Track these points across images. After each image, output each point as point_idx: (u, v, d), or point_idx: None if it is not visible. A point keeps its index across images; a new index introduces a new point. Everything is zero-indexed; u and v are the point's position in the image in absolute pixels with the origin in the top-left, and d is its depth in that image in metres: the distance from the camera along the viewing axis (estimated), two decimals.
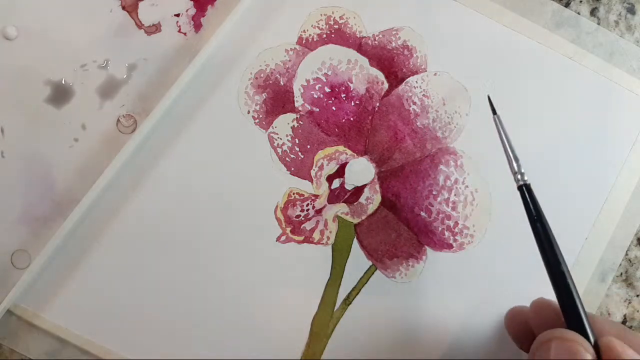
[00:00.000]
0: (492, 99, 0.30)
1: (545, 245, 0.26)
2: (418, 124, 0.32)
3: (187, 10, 0.32)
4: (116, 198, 0.31)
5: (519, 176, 0.28)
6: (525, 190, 0.27)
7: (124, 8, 0.32)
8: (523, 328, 0.28)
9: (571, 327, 0.25)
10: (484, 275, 0.31)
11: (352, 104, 0.32)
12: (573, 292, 0.25)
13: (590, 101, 0.33)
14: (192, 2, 0.32)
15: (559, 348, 0.24)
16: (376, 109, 0.32)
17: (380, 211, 0.32)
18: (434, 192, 0.32)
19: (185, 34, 0.32)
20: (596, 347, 0.24)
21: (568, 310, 0.25)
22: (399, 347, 0.31)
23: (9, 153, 0.31)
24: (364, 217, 0.32)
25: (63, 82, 0.31)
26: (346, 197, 0.32)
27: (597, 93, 0.33)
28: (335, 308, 0.31)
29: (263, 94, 0.32)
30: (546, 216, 0.27)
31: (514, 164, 0.28)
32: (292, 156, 0.32)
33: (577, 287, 0.26)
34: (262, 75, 0.32)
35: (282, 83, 0.32)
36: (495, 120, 0.29)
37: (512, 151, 0.28)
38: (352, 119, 0.32)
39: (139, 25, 0.32)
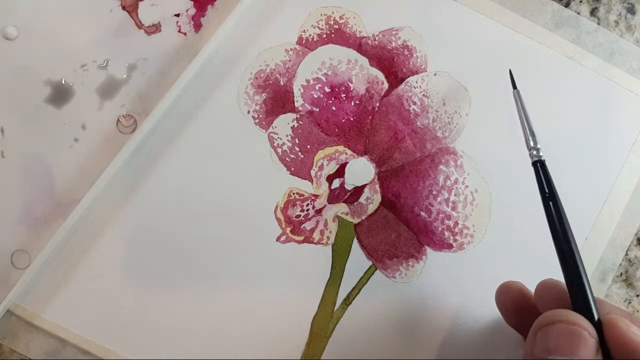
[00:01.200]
0: (492, 98, 0.30)
1: (557, 223, 0.26)
2: (418, 124, 0.32)
3: (187, 10, 0.32)
4: (116, 198, 0.31)
5: (535, 152, 0.28)
6: (540, 167, 0.27)
7: (124, 8, 0.32)
8: (514, 304, 0.28)
9: (577, 306, 0.25)
10: (484, 275, 0.31)
11: (352, 104, 0.32)
12: (581, 271, 0.25)
13: (590, 101, 0.33)
14: (192, 2, 0.32)
15: (562, 331, 0.23)
16: (376, 109, 0.32)
17: (380, 211, 0.32)
18: (434, 192, 0.32)
19: (185, 34, 0.32)
20: (600, 326, 0.24)
21: (575, 288, 0.25)
22: (399, 347, 0.31)
23: (9, 153, 0.31)
24: (364, 217, 0.32)
25: (63, 82, 0.31)
26: (346, 197, 0.32)
27: (597, 93, 0.33)
28: (335, 308, 0.31)
29: (263, 94, 0.32)
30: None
31: (530, 140, 0.28)
32: (292, 156, 0.32)
33: None
34: (262, 75, 0.32)
35: (282, 83, 0.32)
36: (514, 95, 0.30)
37: (530, 126, 0.28)
38: (352, 119, 0.32)
39: (139, 25, 0.32)
